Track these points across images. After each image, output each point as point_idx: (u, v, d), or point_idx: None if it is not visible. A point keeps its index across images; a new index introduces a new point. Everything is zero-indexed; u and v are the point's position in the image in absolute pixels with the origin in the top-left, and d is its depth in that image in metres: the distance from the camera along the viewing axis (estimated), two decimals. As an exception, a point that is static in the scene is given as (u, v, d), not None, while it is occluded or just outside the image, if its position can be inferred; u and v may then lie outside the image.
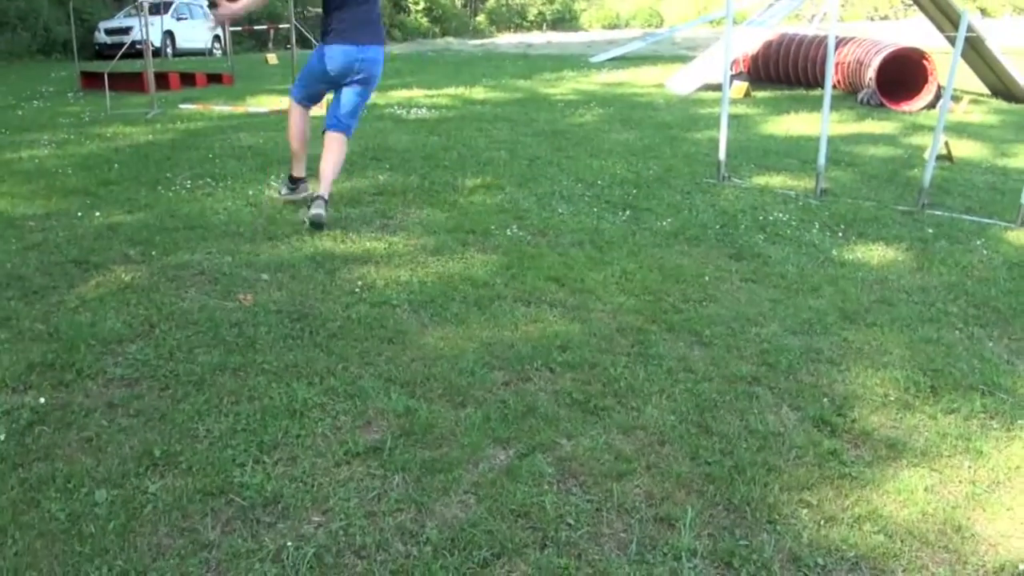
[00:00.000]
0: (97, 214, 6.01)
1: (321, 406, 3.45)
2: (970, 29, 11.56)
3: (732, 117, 9.98)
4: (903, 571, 2.70)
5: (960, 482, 3.17)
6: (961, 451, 3.36)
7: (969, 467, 3.26)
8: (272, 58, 22.24)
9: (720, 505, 2.95)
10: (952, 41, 9.92)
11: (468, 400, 3.53)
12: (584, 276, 4.96)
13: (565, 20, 59.71)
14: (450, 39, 41.78)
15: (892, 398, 3.74)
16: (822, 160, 7.04)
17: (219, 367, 3.74)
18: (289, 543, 2.64)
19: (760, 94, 13.60)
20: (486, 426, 3.33)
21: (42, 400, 3.42)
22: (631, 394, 3.64)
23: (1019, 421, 3.60)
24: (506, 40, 41.66)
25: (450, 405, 3.49)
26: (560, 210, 6.30)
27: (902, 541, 2.82)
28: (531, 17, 58.08)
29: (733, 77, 13.85)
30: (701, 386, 3.73)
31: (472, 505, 2.87)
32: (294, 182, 6.52)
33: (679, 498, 2.96)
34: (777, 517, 2.90)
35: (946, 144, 8.61)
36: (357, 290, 4.66)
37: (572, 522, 2.81)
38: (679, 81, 14.71)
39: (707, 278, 5.03)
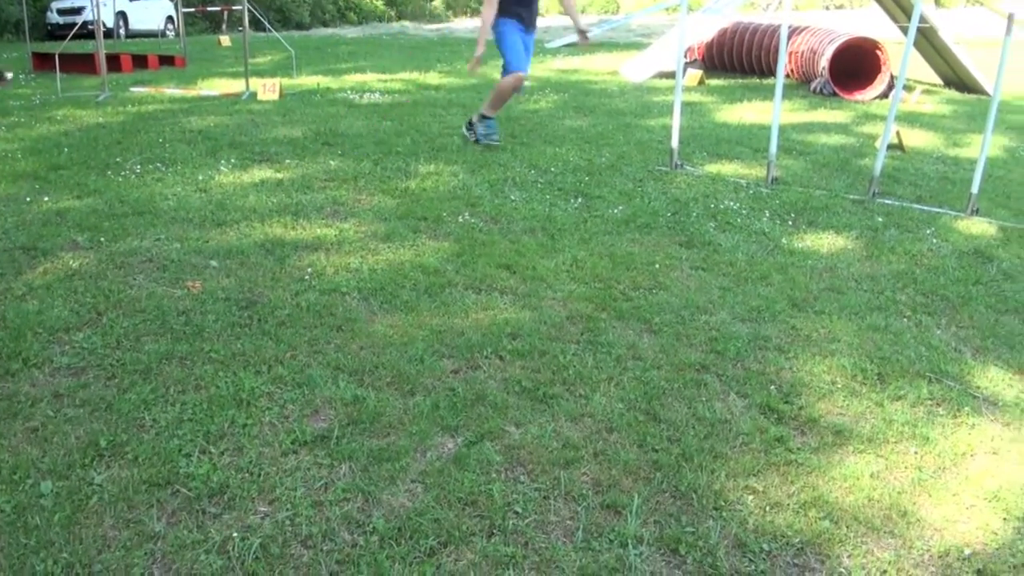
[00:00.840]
0: (46, 199, 5.92)
1: (268, 395, 3.42)
2: (923, 19, 11.69)
3: (686, 105, 10.03)
4: (848, 556, 2.74)
5: (906, 468, 3.21)
6: (907, 437, 3.41)
7: (915, 453, 3.31)
8: (225, 40, 22.02)
9: (667, 492, 2.96)
10: (905, 31, 10.01)
11: (417, 388, 3.52)
12: (535, 263, 4.96)
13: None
14: (405, 23, 41.57)
15: (839, 385, 3.78)
16: (773, 149, 7.09)
17: (166, 356, 3.70)
18: (235, 534, 2.62)
19: (714, 82, 13.66)
20: (434, 414, 3.32)
21: (-14, 389, 3.38)
22: (580, 382, 3.65)
23: (965, 408, 3.66)
24: (462, 24, 41.53)
25: (398, 393, 3.48)
26: (512, 197, 6.29)
27: (847, 527, 2.86)
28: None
29: (687, 65, 13.91)
30: (649, 374, 3.75)
31: (419, 494, 2.87)
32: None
33: (626, 485, 2.98)
34: (723, 503, 2.92)
35: (897, 134, 8.70)
36: (307, 277, 4.63)
37: (519, 510, 2.82)
38: (633, 68, 14.73)
39: (657, 266, 5.05)
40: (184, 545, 2.57)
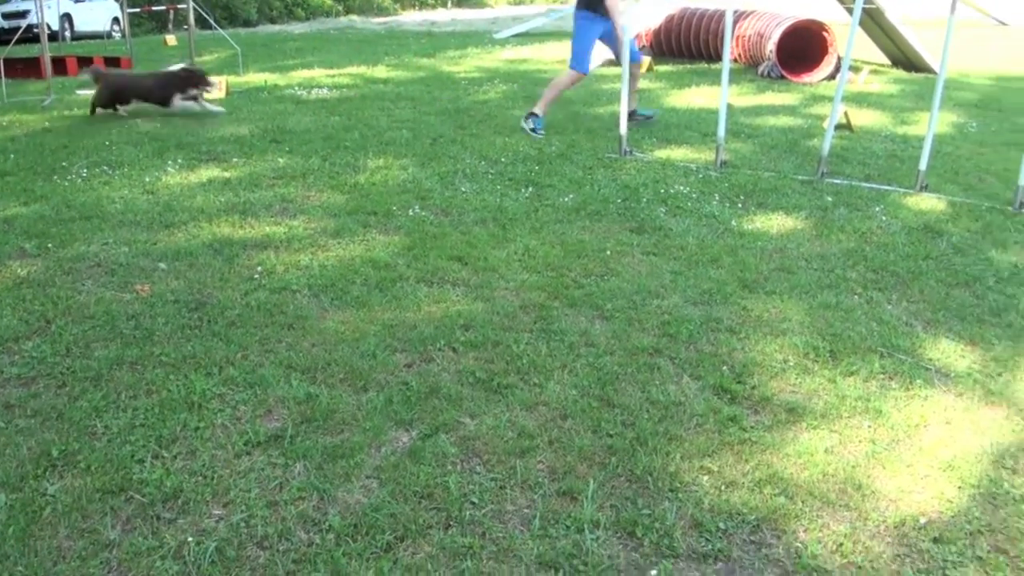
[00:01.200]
0: (-9, 207, 5.84)
1: (220, 397, 3.40)
2: (869, 0, 11.81)
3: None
4: (804, 531, 2.77)
5: (860, 442, 3.25)
6: (860, 412, 3.46)
7: (869, 427, 3.36)
8: (171, 40, 21.76)
9: (622, 476, 2.98)
10: (851, 12, 10.10)
11: (370, 384, 3.51)
12: (487, 254, 4.96)
13: (469, -3, 59.41)
14: (353, 17, 41.25)
15: (791, 363, 3.82)
16: (721, 132, 7.13)
17: (116, 361, 3.66)
18: (190, 538, 2.60)
19: (662, 68, 13.70)
20: (388, 409, 3.31)
21: (-64, 403, 3.32)
22: (533, 371, 3.65)
23: (918, 380, 3.71)
24: (410, 18, 41.36)
25: (351, 389, 3.47)
26: (463, 189, 6.27)
27: (803, 502, 2.89)
28: (437, -6, 57.67)
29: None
30: (603, 360, 3.76)
31: (375, 489, 2.86)
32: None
33: (581, 471, 2.99)
34: (679, 485, 2.94)
35: (845, 114, 8.77)
36: (256, 276, 4.59)
37: (476, 501, 2.82)
38: (583, 56, 14.73)
39: (608, 252, 5.06)
40: (139, 552, 2.55)
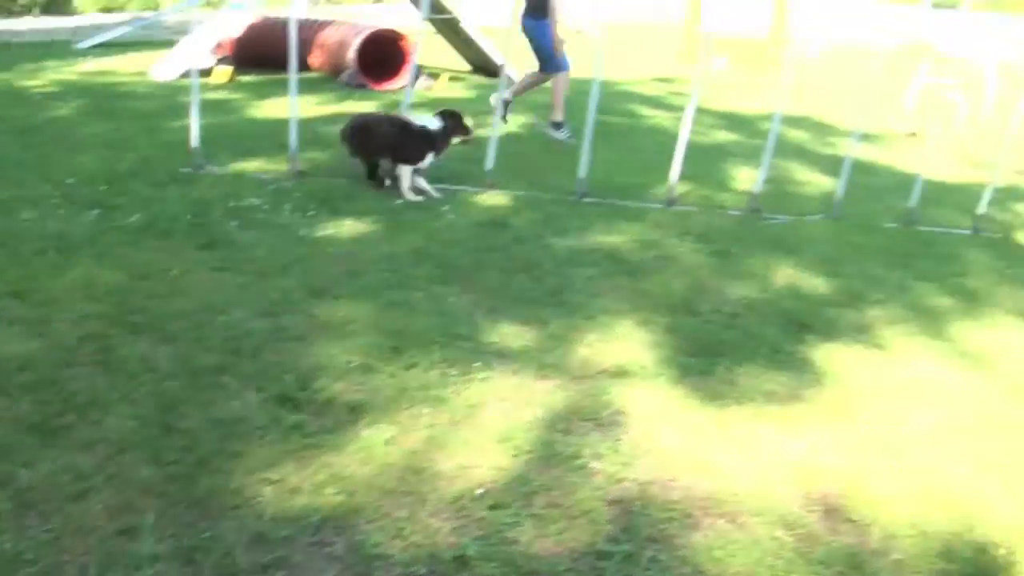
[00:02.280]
0: None
1: None
2: (442, 11, 12.39)
3: (214, 103, 9.92)
4: (366, 523, 2.93)
5: (420, 429, 3.49)
6: (420, 401, 3.69)
7: (428, 413, 3.60)
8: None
9: (183, 503, 2.98)
10: (432, 24, 10.47)
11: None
12: (47, 286, 4.66)
13: (58, 3, 55.51)
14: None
15: (356, 364, 3.98)
16: (294, 142, 7.18)
17: None
18: None
19: (245, 78, 13.51)
20: (-75, 475, 3.08)
21: None
22: (92, 406, 3.52)
23: (476, 364, 4.02)
24: (-17, 30, 38.10)
25: None
26: (23, 216, 5.81)
27: (363, 495, 3.06)
28: (22, 1, 53.32)
29: (219, 61, 13.70)
30: (164, 385, 3.72)
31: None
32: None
33: (141, 505, 2.95)
34: (240, 501, 3.00)
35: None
36: None
37: (30, 557, 2.71)
38: (163, 67, 14.26)
39: (175, 272, 4.95)
40: None
